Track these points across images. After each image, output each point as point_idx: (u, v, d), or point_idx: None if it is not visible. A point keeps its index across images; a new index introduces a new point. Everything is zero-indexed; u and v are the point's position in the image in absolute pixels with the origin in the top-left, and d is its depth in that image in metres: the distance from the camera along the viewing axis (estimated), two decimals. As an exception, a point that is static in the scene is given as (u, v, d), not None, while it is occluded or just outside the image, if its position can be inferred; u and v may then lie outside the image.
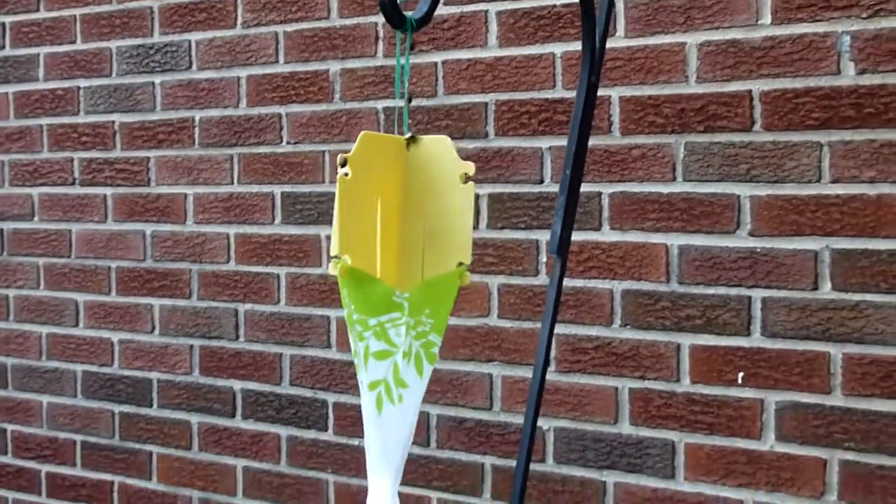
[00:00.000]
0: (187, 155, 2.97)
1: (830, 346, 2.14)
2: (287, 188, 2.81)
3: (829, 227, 2.13)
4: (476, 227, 1.65)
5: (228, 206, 2.91)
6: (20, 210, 3.31)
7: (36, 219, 3.28)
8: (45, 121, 3.24)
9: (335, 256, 1.47)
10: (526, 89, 2.46)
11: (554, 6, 2.42)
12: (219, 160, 2.92)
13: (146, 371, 3.09)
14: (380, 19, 2.64)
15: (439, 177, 1.54)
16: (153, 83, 3.02)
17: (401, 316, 1.47)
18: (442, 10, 2.53)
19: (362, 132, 1.51)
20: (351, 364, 2.72)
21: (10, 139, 3.32)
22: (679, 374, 2.30)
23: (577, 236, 2.34)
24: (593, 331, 2.40)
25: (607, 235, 2.37)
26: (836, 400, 2.14)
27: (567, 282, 2.38)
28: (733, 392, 2.24)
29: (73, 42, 3.16)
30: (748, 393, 2.23)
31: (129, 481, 3.13)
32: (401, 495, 1.53)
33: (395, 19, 1.34)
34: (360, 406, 2.71)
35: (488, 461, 2.55)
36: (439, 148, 1.55)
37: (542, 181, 2.45)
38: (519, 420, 2.49)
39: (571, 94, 2.39)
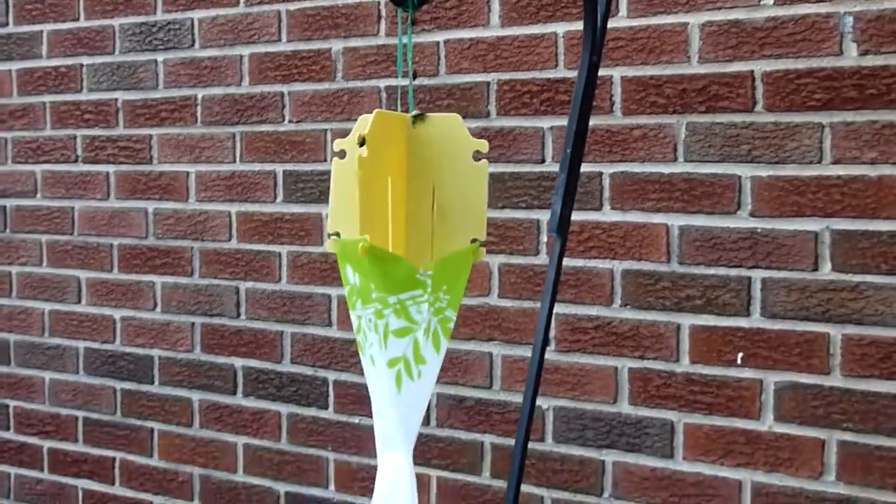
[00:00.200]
0: (190, 133, 2.97)
1: (830, 326, 2.14)
2: (289, 167, 2.81)
3: (830, 208, 2.13)
4: (486, 207, 1.69)
5: (230, 185, 2.91)
6: (23, 187, 3.31)
7: (39, 196, 3.28)
8: (47, 98, 3.25)
9: (335, 233, 1.46)
10: (528, 69, 2.46)
11: (556, -15, 2.42)
12: (221, 138, 2.92)
13: (148, 348, 3.09)
14: (382, -2, 2.65)
15: (450, 154, 1.55)
16: (156, 61, 3.02)
17: (423, 293, 1.48)
18: (444, -11, 2.54)
19: (376, 110, 1.51)
20: (351, 342, 2.73)
21: (13, 116, 3.32)
22: (679, 354, 2.31)
23: (577, 216, 2.35)
24: (593, 310, 2.40)
25: (608, 215, 2.37)
26: (835, 381, 2.14)
27: (567, 261, 2.38)
28: (732, 372, 2.25)
29: (77, 19, 3.16)
30: (747, 373, 2.23)
31: (131, 457, 3.14)
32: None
33: (397, -5, 1.34)
34: (361, 385, 2.71)
35: (488, 440, 2.56)
36: (450, 126, 1.55)
37: (543, 161, 2.45)
38: (518, 399, 2.49)
39: (573, 74, 2.39)
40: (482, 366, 2.55)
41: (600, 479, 2.41)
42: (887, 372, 2.09)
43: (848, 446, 2.13)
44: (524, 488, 2.43)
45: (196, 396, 3.01)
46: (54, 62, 3.22)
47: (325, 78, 2.74)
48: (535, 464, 2.47)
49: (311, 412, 2.82)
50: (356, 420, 2.75)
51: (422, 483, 2.58)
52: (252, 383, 2.91)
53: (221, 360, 2.96)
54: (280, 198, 2.83)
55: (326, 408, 2.79)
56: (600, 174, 2.37)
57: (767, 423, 2.21)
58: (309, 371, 2.81)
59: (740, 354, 2.24)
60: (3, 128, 3.34)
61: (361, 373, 2.69)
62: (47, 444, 3.32)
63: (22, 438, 3.38)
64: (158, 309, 3.07)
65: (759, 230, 2.21)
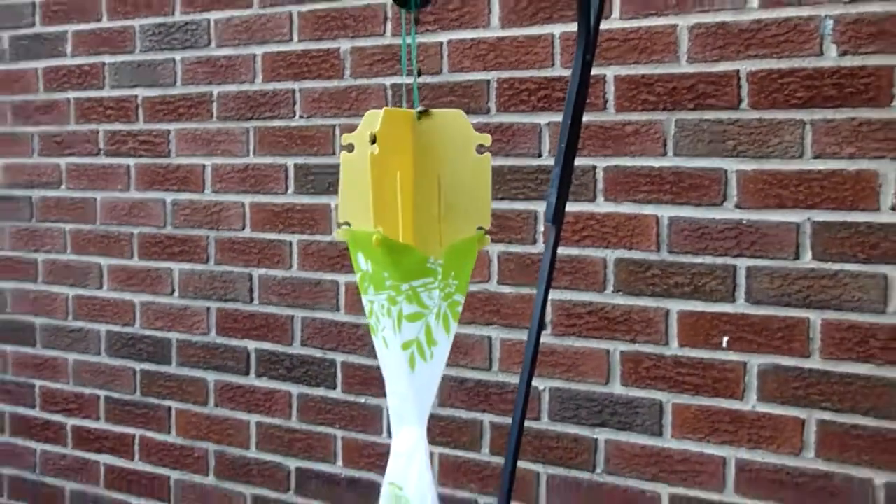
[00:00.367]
0: (206, 128, 2.97)
1: (810, 312, 2.14)
2: (300, 160, 2.81)
3: (811, 200, 2.13)
4: (490, 198, 1.68)
5: (244, 177, 2.91)
6: (49, 179, 3.32)
7: (63, 187, 3.29)
8: (72, 94, 3.24)
9: (345, 223, 1.47)
10: (526, 68, 2.45)
11: (553, -11, 2.42)
12: (235, 133, 2.92)
13: (166, 331, 3.10)
14: (388, 0, 2.64)
15: (455, 148, 1.55)
16: (174, 60, 3.02)
17: (434, 280, 1.49)
18: (447, -8, 2.54)
19: (384, 108, 1.51)
20: (358, 326, 2.73)
21: (40, 112, 3.32)
22: (667, 338, 2.31)
23: (572, 207, 2.35)
24: (587, 296, 2.40)
25: (601, 206, 2.37)
26: (815, 363, 2.14)
27: (563, 250, 2.38)
28: (718, 355, 2.25)
29: (100, 20, 3.16)
30: (732, 356, 2.23)
31: (150, 434, 3.15)
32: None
33: (400, -2, 1.35)
34: (367, 366, 2.72)
35: (487, 419, 2.56)
36: (454, 121, 1.55)
37: (540, 155, 2.45)
38: (516, 380, 2.49)
39: (568, 73, 2.37)
40: (482, 349, 2.55)
41: (593, 455, 2.41)
42: (864, 355, 2.09)
43: (826, 425, 2.14)
44: (521, 464, 2.42)
45: (211, 377, 3.02)
46: (78, 61, 3.22)
47: (334, 76, 2.74)
48: (532, 441, 2.47)
49: (320, 392, 2.82)
50: (362, 400, 2.75)
51: (424, 459, 2.59)
52: (264, 365, 2.92)
53: (235, 342, 2.97)
54: (291, 189, 2.83)
55: (334, 388, 2.79)
56: (594, 167, 2.37)
57: (751, 403, 2.22)
58: (318, 353, 2.82)
59: (725, 338, 2.24)
60: (30, 122, 3.34)
61: (368, 355, 2.71)
62: (71, 422, 3.32)
63: (47, 416, 3.38)
64: (176, 294, 3.07)
65: (743, 221, 2.20)
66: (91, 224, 3.23)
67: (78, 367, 3.29)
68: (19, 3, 3.33)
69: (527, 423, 2.34)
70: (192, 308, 3.04)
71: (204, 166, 2.99)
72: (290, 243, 2.84)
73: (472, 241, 1.55)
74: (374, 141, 1.42)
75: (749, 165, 2.19)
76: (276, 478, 2.91)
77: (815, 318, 2.14)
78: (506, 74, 2.48)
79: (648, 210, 2.32)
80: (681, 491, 2.30)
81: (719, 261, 2.24)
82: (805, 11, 2.12)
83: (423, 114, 1.53)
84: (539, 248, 2.46)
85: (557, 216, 1.70)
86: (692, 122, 2.26)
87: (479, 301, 2.54)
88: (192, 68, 2.99)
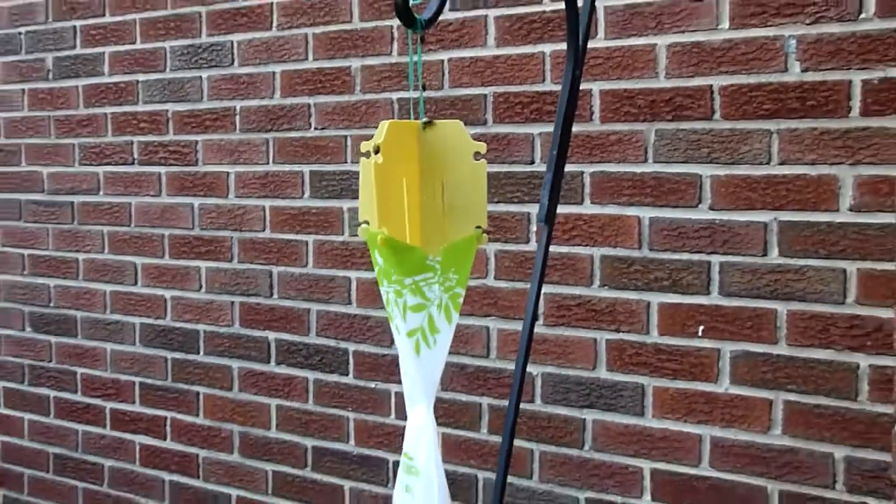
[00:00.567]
0: (230, 139, 2.97)
1: (777, 303, 2.14)
2: (315, 167, 2.81)
3: (777, 202, 2.13)
4: (486, 200, 1.66)
5: (264, 183, 2.91)
6: (88, 186, 3.32)
7: (101, 193, 3.29)
8: (109, 109, 3.25)
9: (364, 222, 1.49)
10: (519, 83, 2.45)
11: (544, 12, 2.41)
12: (256, 143, 2.92)
13: (194, 323, 3.10)
14: (395, 22, 2.63)
15: (455, 155, 1.55)
16: (201, 77, 3.02)
17: (433, 275, 1.50)
18: (448, 15, 2.52)
19: (389, 121, 1.51)
20: (368, 318, 2.74)
21: (80, 125, 3.33)
22: (649, 327, 2.30)
23: (562, 209, 2.34)
24: (576, 290, 2.40)
25: (588, 208, 2.37)
26: (782, 349, 2.14)
27: (553, 248, 2.38)
28: (694, 343, 2.25)
29: (134, 42, 3.16)
30: (707, 343, 2.23)
31: (180, 416, 3.15)
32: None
33: (407, 19, 1.35)
34: (376, 354, 2.73)
35: (485, 401, 2.56)
36: (453, 130, 1.55)
37: (532, 162, 2.45)
38: (511, 366, 2.49)
39: (559, 88, 2.38)
40: (480, 338, 2.55)
41: (582, 434, 2.41)
42: (825, 342, 2.09)
43: (792, 405, 2.13)
44: (516, 442, 2.43)
45: (235, 364, 3.02)
46: (114, 79, 3.22)
47: (346, 91, 2.74)
48: (526, 422, 2.47)
49: (334, 378, 2.82)
50: (372, 385, 2.75)
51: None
52: (283, 353, 2.92)
53: (257, 333, 2.97)
54: (307, 194, 2.83)
55: (347, 374, 2.79)
56: (582, 173, 2.37)
57: (724, 386, 2.21)
58: (332, 343, 2.82)
59: (701, 327, 2.23)
60: (71, 135, 3.35)
61: (377, 344, 2.72)
62: (109, 405, 3.33)
63: (87, 400, 3.38)
64: (203, 290, 3.08)
65: (716, 221, 2.20)
66: (126, 226, 3.23)
67: (115, 356, 3.30)
68: (62, 27, 3.33)
69: (521, 405, 2.34)
70: (218, 302, 3.05)
71: (228, 173, 2.99)
72: (306, 243, 2.84)
73: (470, 240, 1.56)
74: (377, 151, 1.44)
75: (721, 171, 2.19)
76: (294, 455, 2.91)
77: (782, 308, 2.14)
78: (501, 89, 2.48)
79: (631, 211, 2.31)
80: (661, 466, 2.30)
81: (695, 257, 2.23)
82: (771, 32, 2.12)
83: (428, 124, 1.54)
84: (532, 246, 2.46)
85: (549, 217, 1.70)
86: (670, 131, 2.25)
87: (478, 295, 2.54)
88: (217, 85, 2.99)
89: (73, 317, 3.40)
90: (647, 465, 2.32)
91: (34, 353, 3.51)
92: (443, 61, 2.56)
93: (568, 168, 2.28)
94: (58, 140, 3.38)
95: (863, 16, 2.02)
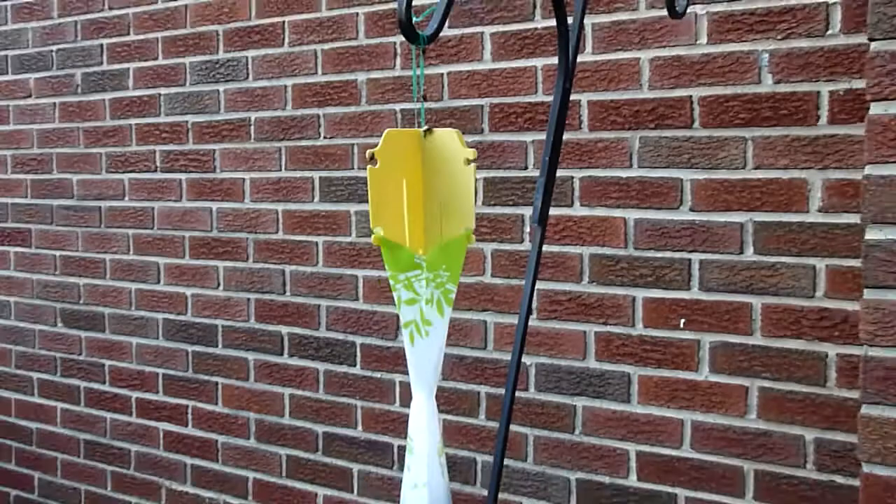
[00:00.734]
0: (245, 147, 2.98)
1: (752, 297, 2.14)
2: (324, 173, 2.81)
3: (752, 204, 2.13)
4: (474, 203, 1.64)
5: (277, 188, 2.91)
6: (114, 192, 3.32)
7: (126, 198, 3.29)
8: (133, 121, 3.25)
9: (376, 228, 1.50)
10: (514, 94, 2.45)
11: (535, 29, 2.41)
12: (270, 151, 2.92)
13: (213, 319, 3.10)
14: (397, 39, 2.64)
15: (450, 161, 1.55)
16: (218, 91, 3.03)
17: (421, 272, 1.50)
18: (447, 32, 2.53)
19: (387, 130, 1.52)
20: (374, 313, 2.74)
21: (107, 136, 3.33)
22: (634, 320, 2.30)
23: (554, 211, 2.35)
24: (567, 286, 2.40)
25: (578, 211, 2.37)
26: (757, 340, 2.14)
27: (546, 247, 2.38)
28: (676, 334, 2.25)
29: (156, 59, 3.16)
30: (688, 335, 2.23)
31: (200, 405, 3.15)
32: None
33: (411, 35, 1.36)
34: (382, 347, 2.74)
35: (483, 390, 2.56)
36: (450, 138, 1.55)
37: (526, 167, 2.45)
38: (507, 357, 2.49)
39: (550, 99, 2.38)
40: (478, 331, 2.56)
41: (572, 419, 2.41)
42: (797, 332, 2.09)
43: (766, 391, 2.14)
44: (512, 427, 2.45)
45: (251, 357, 3.02)
46: (138, 92, 3.22)
47: (352, 103, 2.74)
48: (521, 408, 2.47)
49: (343, 369, 2.82)
50: (378, 375, 2.75)
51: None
52: (295, 346, 2.92)
53: (271, 327, 2.97)
54: (317, 198, 2.83)
55: (354, 365, 2.79)
56: (572, 178, 2.37)
57: (704, 374, 2.22)
58: (340, 336, 2.82)
59: (682, 320, 2.24)
60: (98, 145, 3.35)
61: (382, 337, 2.72)
62: (135, 395, 3.33)
63: (115, 390, 3.38)
64: (221, 288, 3.08)
65: (696, 222, 2.20)
66: (150, 229, 3.24)
67: (140, 349, 3.30)
68: (90, 45, 3.34)
69: (517, 393, 2.34)
70: (235, 299, 3.05)
71: (243, 180, 2.99)
72: (316, 244, 2.85)
73: (460, 240, 1.56)
74: (371, 158, 1.45)
75: (701, 175, 2.19)
76: (306, 441, 2.91)
77: (757, 302, 2.14)
78: (497, 100, 2.48)
79: (617, 213, 2.31)
80: (646, 448, 2.30)
81: (677, 255, 2.24)
82: (745, 46, 2.12)
83: (428, 132, 1.54)
84: (526, 245, 2.46)
85: (542, 218, 1.69)
86: (653, 139, 2.25)
87: (476, 291, 2.54)
88: (234, 98, 2.99)
89: (101, 313, 3.40)
90: (633, 448, 2.32)
91: (66, 346, 3.52)
92: (443, 74, 2.56)
93: (559, 173, 2.29)
94: (86, 149, 3.39)
95: (830, 32, 2.03)
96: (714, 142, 2.17)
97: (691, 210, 2.21)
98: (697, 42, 2.18)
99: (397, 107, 2.66)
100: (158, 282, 3.22)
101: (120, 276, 3.33)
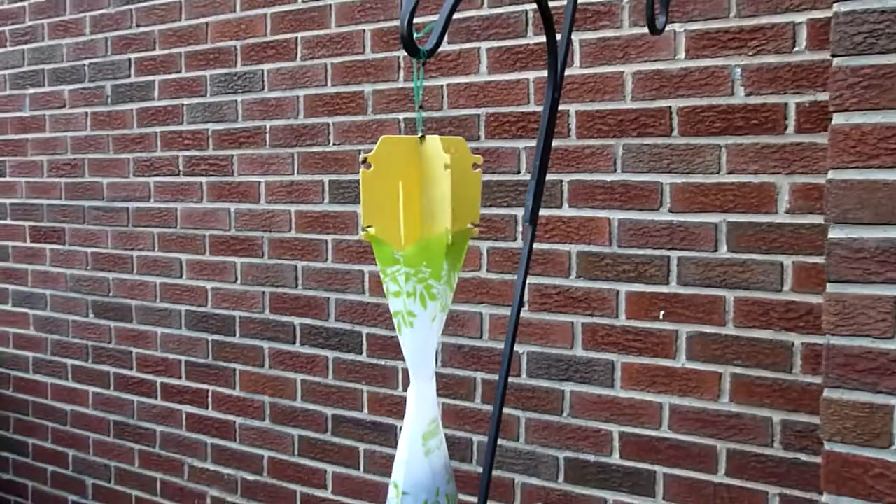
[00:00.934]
0: (260, 153, 2.98)
1: (726, 291, 2.14)
2: (333, 177, 2.81)
3: (726, 205, 2.13)
4: (450, 205, 1.60)
5: (290, 191, 2.92)
6: (140, 194, 3.33)
7: (152, 200, 3.29)
8: (158, 129, 3.25)
9: (368, 226, 1.49)
10: (508, 105, 2.45)
11: (528, 44, 2.41)
12: (283, 157, 2.92)
13: (231, 310, 3.10)
14: (401, 53, 2.64)
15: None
16: (236, 101, 3.03)
17: (400, 268, 1.49)
18: (447, 47, 2.53)
19: (382, 136, 1.52)
20: (379, 305, 2.74)
21: (134, 142, 3.33)
22: (618, 312, 2.30)
23: (544, 212, 2.36)
24: (556, 281, 2.40)
25: (566, 211, 2.36)
26: (730, 330, 2.14)
27: (537, 245, 2.38)
28: (656, 325, 2.25)
29: (180, 72, 3.17)
30: (667, 325, 2.23)
31: (220, 389, 3.15)
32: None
33: (412, 50, 1.36)
34: (386, 336, 2.73)
35: (479, 376, 2.56)
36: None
37: (519, 172, 2.45)
38: (501, 346, 2.49)
39: (541, 108, 2.36)
40: (475, 322, 2.56)
41: (561, 403, 2.41)
42: (766, 323, 2.09)
43: (737, 377, 2.14)
44: (505, 411, 2.45)
45: (266, 345, 3.02)
46: (163, 103, 3.23)
47: (360, 112, 2.74)
48: (514, 393, 2.47)
49: (350, 356, 2.82)
50: (383, 362, 2.75)
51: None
52: (307, 336, 2.92)
53: (284, 318, 2.97)
54: (327, 200, 2.83)
55: (361, 353, 2.80)
56: (561, 181, 2.36)
57: (681, 362, 2.22)
58: (348, 326, 2.82)
59: (662, 312, 2.24)
60: (126, 151, 3.34)
61: (386, 328, 2.72)
62: (160, 380, 3.33)
63: (141, 375, 3.38)
64: (238, 282, 3.08)
65: (675, 222, 2.21)
66: (173, 228, 3.24)
67: (164, 339, 3.31)
68: (119, 59, 3.34)
69: (510, 379, 2.34)
70: (251, 292, 3.05)
71: (259, 183, 2.99)
72: (326, 242, 2.85)
73: (440, 238, 1.52)
74: (363, 161, 1.44)
75: (679, 179, 2.19)
76: (316, 422, 2.91)
77: (730, 295, 2.14)
78: (492, 110, 2.48)
79: (603, 214, 2.31)
80: (628, 429, 2.31)
81: (657, 252, 2.24)
82: (720, 61, 2.12)
83: (422, 139, 1.53)
84: (519, 243, 2.46)
85: (533, 218, 1.68)
86: (636, 146, 2.25)
87: (472, 285, 2.54)
88: (250, 107, 2.99)
89: (129, 305, 3.40)
90: (616, 429, 2.33)
91: (96, 335, 3.52)
92: (442, 86, 2.56)
93: (549, 177, 2.30)
94: (115, 155, 3.39)
95: (796, 49, 2.03)
96: (691, 149, 2.17)
97: (670, 211, 2.21)
98: (676, 57, 2.19)
99: (400, 116, 2.66)
100: (181, 276, 3.23)
101: (146, 271, 3.33)
